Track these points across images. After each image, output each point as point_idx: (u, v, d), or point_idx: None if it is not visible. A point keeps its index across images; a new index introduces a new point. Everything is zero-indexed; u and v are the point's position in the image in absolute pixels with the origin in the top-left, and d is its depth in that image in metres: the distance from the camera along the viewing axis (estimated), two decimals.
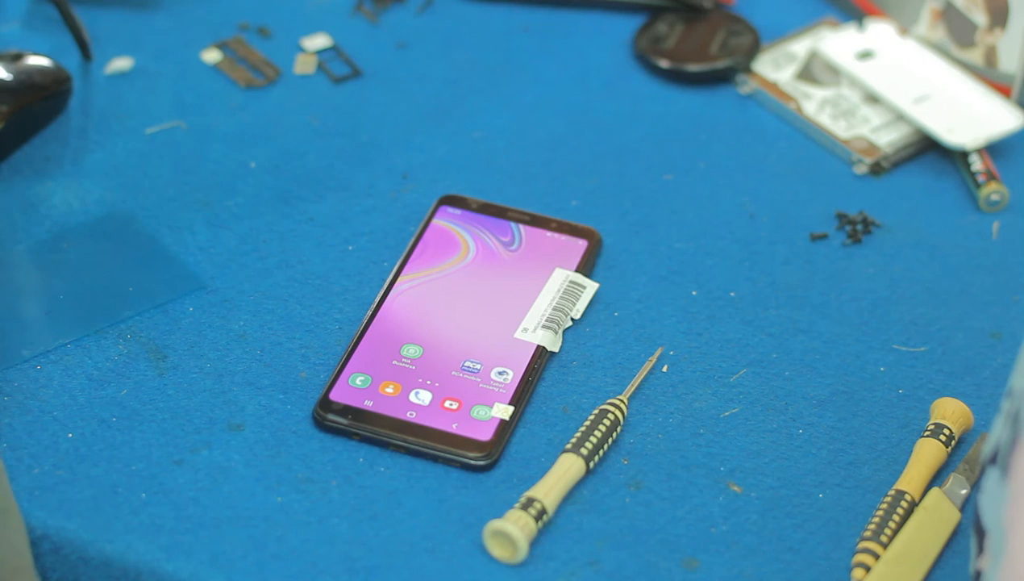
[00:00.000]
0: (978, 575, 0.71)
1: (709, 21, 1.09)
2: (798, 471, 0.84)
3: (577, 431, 0.84)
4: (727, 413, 0.87)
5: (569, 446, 0.83)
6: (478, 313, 0.90)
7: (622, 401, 0.85)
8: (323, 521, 0.81)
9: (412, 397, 0.85)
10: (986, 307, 0.93)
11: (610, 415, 0.84)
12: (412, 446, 0.83)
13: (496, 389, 0.86)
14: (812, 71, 1.07)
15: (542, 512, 0.80)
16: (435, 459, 0.83)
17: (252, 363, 0.88)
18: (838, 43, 1.07)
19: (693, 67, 1.06)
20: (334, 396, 0.85)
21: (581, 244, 0.94)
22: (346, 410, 0.85)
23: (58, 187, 0.97)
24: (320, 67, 1.06)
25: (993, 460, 0.69)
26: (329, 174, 0.99)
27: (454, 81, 1.06)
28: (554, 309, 0.90)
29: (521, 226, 0.95)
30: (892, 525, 0.81)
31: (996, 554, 0.68)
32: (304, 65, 1.06)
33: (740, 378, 0.88)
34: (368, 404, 0.85)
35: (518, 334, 0.89)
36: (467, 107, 1.04)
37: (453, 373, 0.87)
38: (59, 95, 1.01)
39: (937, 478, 0.84)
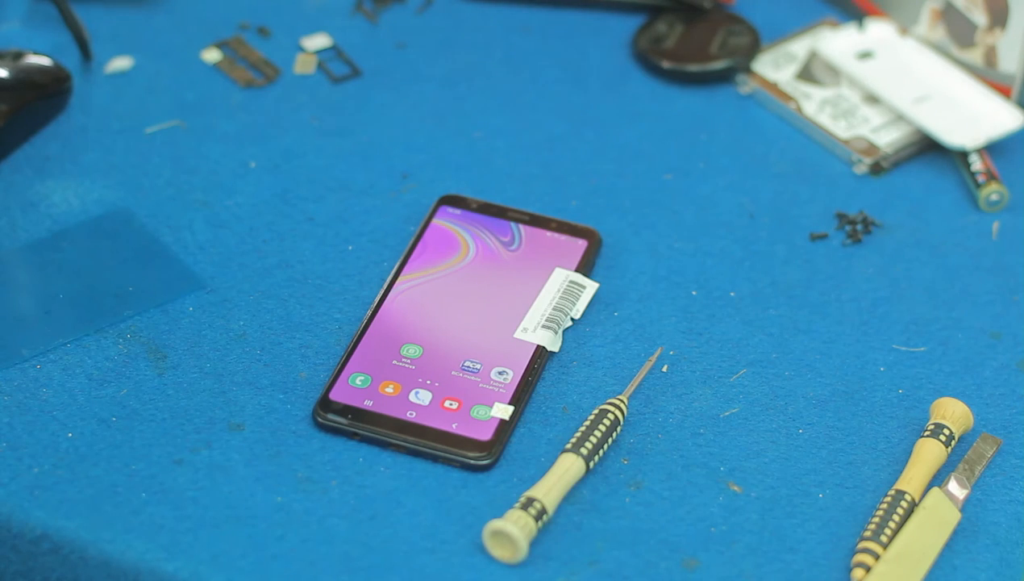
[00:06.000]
0: None
1: (709, 21, 1.09)
2: (798, 471, 0.84)
3: (577, 431, 0.84)
4: (727, 413, 0.87)
5: (569, 446, 0.83)
6: (478, 313, 0.90)
7: (622, 401, 0.85)
8: (323, 521, 0.81)
9: (412, 397, 0.85)
10: (986, 307, 0.93)
11: (610, 415, 0.84)
12: (412, 446, 0.83)
13: (496, 389, 0.86)
14: (812, 71, 1.07)
15: (542, 512, 0.80)
16: (435, 459, 0.83)
17: (252, 363, 0.88)
18: (838, 43, 1.07)
19: (693, 67, 1.06)
20: (334, 396, 0.85)
21: (581, 244, 0.94)
22: (346, 410, 0.85)
23: (58, 186, 0.97)
24: (320, 67, 1.06)
25: None
26: (329, 174, 0.99)
27: (454, 81, 1.06)
28: (554, 309, 0.90)
29: (521, 226, 0.95)
30: (892, 525, 0.80)
31: None
32: (304, 65, 1.06)
33: (740, 378, 0.88)
34: (368, 404, 0.85)
35: (518, 334, 0.89)
36: (467, 107, 1.04)
37: (453, 373, 0.87)
38: (59, 94, 1.01)
39: (937, 478, 0.84)
